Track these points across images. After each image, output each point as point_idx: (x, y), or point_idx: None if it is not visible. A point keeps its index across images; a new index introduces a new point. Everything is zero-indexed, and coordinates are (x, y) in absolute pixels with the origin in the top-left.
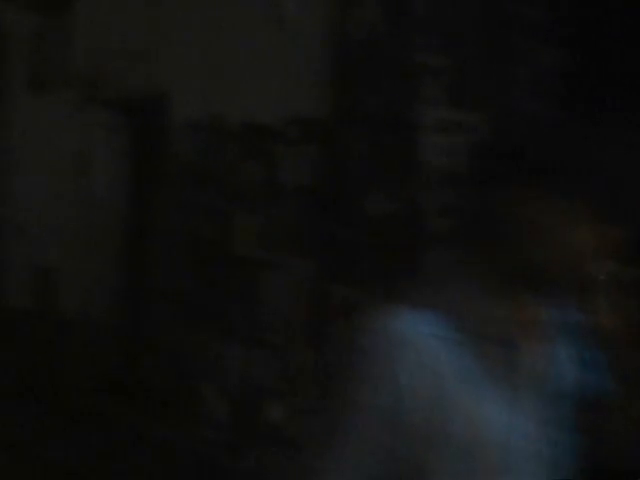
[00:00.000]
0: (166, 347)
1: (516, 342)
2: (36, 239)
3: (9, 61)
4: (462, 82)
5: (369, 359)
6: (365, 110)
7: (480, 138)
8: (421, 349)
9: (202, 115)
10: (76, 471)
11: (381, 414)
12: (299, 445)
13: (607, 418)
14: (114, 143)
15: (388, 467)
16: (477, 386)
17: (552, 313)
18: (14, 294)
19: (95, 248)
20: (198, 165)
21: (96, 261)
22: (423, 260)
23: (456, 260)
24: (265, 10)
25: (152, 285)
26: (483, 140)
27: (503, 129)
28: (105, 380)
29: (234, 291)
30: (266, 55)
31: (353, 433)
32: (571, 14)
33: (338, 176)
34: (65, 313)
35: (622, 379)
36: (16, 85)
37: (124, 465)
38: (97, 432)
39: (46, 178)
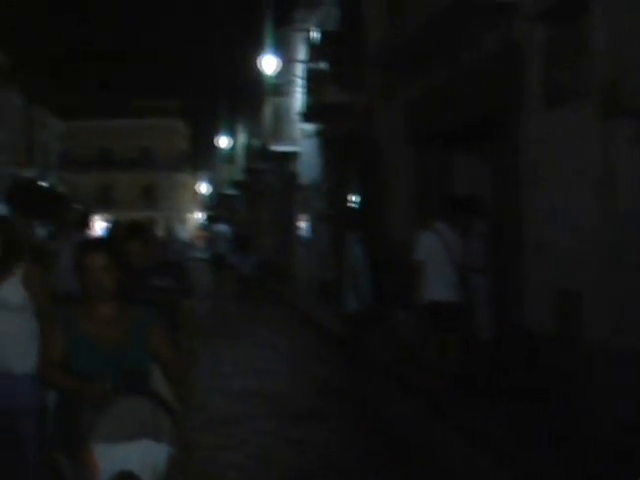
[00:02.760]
0: None
1: None
2: (559, 260)
3: (524, 74)
4: None
5: None
6: None
7: None
8: None
9: None
10: None
11: None
12: None
13: None
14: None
15: None
16: None
17: None
18: (535, 318)
19: (624, 270)
20: None
21: (625, 284)
22: None
23: None
24: None
25: None
26: None
27: None
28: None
29: None
30: None
31: None
32: None
33: None
34: (591, 341)
35: None
36: (532, 99)
37: None
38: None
39: (568, 194)
